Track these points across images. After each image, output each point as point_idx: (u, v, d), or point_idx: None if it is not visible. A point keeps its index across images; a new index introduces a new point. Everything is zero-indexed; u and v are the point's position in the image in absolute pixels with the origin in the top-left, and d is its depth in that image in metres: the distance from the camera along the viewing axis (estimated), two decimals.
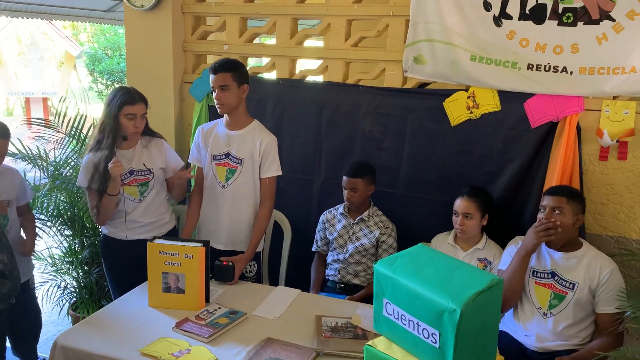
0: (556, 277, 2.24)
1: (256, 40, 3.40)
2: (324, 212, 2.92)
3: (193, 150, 2.65)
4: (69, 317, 3.36)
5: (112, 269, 2.64)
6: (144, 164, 2.51)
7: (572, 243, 2.26)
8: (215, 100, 2.45)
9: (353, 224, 2.78)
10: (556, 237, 2.21)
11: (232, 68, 2.40)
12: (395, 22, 2.84)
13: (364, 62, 3.06)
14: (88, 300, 3.28)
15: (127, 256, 2.54)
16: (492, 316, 1.45)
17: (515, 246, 2.37)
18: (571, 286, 2.20)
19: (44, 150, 3.36)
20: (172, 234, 2.64)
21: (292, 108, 3.11)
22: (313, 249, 2.96)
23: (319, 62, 3.14)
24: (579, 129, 2.51)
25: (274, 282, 2.97)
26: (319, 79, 3.26)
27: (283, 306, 2.23)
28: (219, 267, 2.39)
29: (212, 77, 2.42)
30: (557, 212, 2.21)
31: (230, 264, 2.40)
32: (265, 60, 3.31)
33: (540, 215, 2.27)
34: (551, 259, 2.27)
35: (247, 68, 3.30)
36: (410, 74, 2.82)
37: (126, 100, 2.39)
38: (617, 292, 2.16)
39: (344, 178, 2.72)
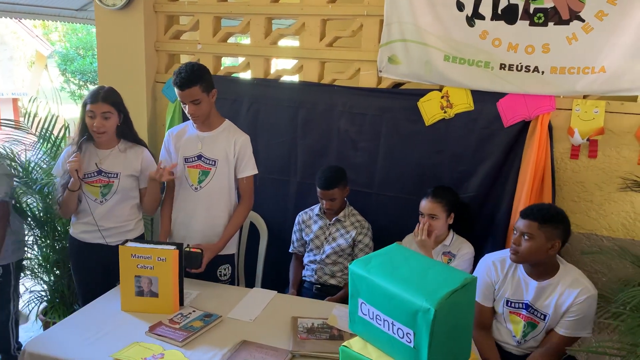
0: (530, 309, 2.20)
1: (232, 40, 3.37)
2: (300, 213, 2.91)
3: (163, 154, 2.57)
4: (39, 322, 3.28)
5: (75, 269, 2.62)
6: (114, 167, 2.46)
7: (547, 269, 2.17)
8: (189, 115, 2.38)
9: (329, 224, 2.78)
10: (524, 261, 2.16)
11: (198, 79, 2.30)
12: (369, 22, 2.84)
13: (339, 62, 3.06)
14: (59, 304, 3.21)
15: (89, 257, 2.52)
16: (466, 315, 1.46)
17: (486, 278, 2.27)
18: (543, 317, 2.17)
19: (11, 151, 3.26)
20: None
21: (268, 108, 3.09)
22: (290, 251, 2.95)
23: (294, 61, 3.13)
24: (550, 127, 2.55)
25: (250, 283, 2.95)
26: (295, 78, 3.25)
27: (259, 308, 2.21)
28: (187, 253, 2.31)
29: (178, 91, 2.32)
30: (525, 237, 2.11)
31: (199, 251, 2.35)
32: (240, 60, 3.29)
33: (512, 238, 2.19)
34: (526, 289, 2.21)
35: (222, 68, 3.29)
36: (384, 74, 2.83)
37: (88, 99, 2.38)
38: (585, 319, 2.10)
39: (320, 190, 2.71)
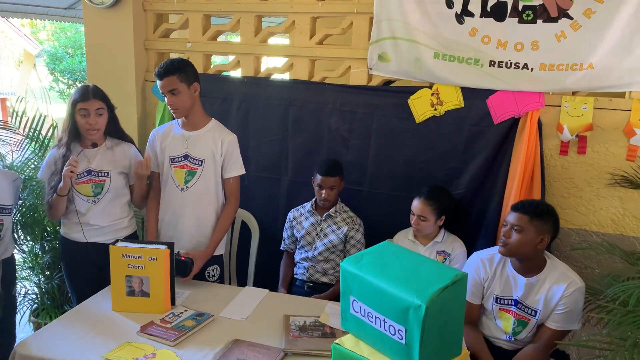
0: (519, 305, 2.21)
1: (222, 38, 3.36)
2: (291, 210, 2.91)
3: (148, 154, 2.56)
4: (31, 324, 3.26)
5: (67, 269, 2.60)
6: (103, 166, 2.45)
7: (535, 265, 2.18)
8: (168, 107, 2.39)
9: (321, 220, 2.78)
10: (513, 254, 2.17)
11: (177, 70, 2.32)
12: (359, 19, 2.84)
13: (329, 59, 3.06)
14: (50, 306, 3.19)
15: (82, 257, 2.50)
16: (457, 311, 1.46)
17: (475, 276, 2.28)
18: (533, 313, 2.18)
19: None
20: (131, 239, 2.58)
21: (258, 106, 3.08)
22: (281, 248, 2.94)
23: (285, 59, 3.12)
24: (540, 124, 2.56)
25: (242, 282, 2.95)
26: (285, 76, 3.24)
27: (251, 307, 2.21)
28: (176, 261, 2.29)
29: (158, 82, 2.34)
30: (515, 229, 2.13)
31: (189, 259, 2.34)
32: (230, 58, 3.28)
33: (502, 230, 2.20)
34: (515, 285, 2.22)
35: (212, 66, 3.28)
36: (375, 72, 2.83)
37: (79, 97, 2.36)
38: (573, 312, 2.12)
39: (320, 177, 2.71)
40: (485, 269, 2.27)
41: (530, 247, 2.13)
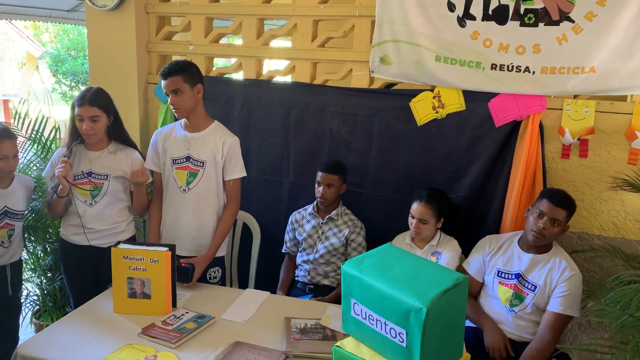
0: (520, 279, 2.28)
1: (224, 41, 3.37)
2: (293, 213, 2.91)
3: (151, 155, 2.56)
4: (32, 325, 3.26)
5: (66, 270, 2.61)
6: (103, 169, 2.45)
7: (546, 247, 2.31)
8: (171, 106, 2.40)
9: (322, 223, 2.78)
10: (545, 243, 2.28)
11: (181, 70, 2.34)
12: (361, 22, 2.85)
13: (331, 62, 3.06)
14: (52, 308, 3.19)
15: (79, 259, 2.51)
16: (458, 314, 1.46)
17: (482, 253, 2.41)
18: (532, 288, 2.25)
19: None
20: None
21: (260, 109, 3.09)
22: (283, 251, 2.95)
23: (287, 62, 3.13)
24: (541, 127, 2.56)
25: (243, 284, 2.95)
26: (287, 79, 3.25)
27: (252, 309, 2.21)
28: (178, 268, 2.29)
29: (162, 82, 2.36)
30: (555, 224, 2.23)
31: (189, 265, 2.35)
32: (232, 61, 3.28)
33: (532, 222, 2.26)
34: (519, 261, 2.31)
35: (214, 68, 3.29)
36: (376, 75, 2.83)
37: (76, 101, 2.38)
38: (573, 296, 2.19)
39: (320, 174, 2.72)
40: (491, 244, 2.41)
41: (557, 237, 2.29)
